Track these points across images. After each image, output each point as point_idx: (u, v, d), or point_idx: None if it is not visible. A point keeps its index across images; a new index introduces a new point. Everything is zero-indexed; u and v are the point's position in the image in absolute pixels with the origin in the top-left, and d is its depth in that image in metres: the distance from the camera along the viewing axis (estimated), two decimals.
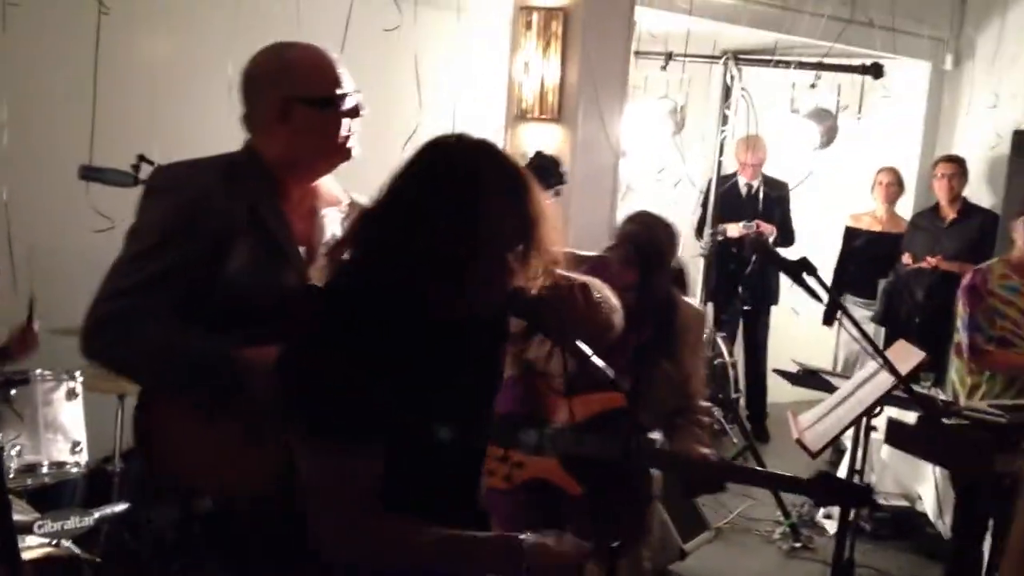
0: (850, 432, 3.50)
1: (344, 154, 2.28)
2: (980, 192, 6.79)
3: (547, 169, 2.63)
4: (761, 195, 6.71)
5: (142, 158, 3.37)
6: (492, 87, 5.19)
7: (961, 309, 4.11)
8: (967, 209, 6.28)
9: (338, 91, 2.23)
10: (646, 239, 3.01)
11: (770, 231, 6.47)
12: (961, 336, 4.09)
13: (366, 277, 1.75)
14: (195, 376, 2.10)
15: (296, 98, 2.20)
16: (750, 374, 6.98)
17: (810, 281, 2.47)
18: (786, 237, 6.63)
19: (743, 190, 6.77)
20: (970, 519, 4.08)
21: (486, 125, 5.52)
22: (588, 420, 2.82)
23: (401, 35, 4.58)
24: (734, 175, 6.76)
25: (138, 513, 3.65)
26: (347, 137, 2.26)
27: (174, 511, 2.19)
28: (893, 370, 2.56)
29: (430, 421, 1.78)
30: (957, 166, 6.29)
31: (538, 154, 2.68)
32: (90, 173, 3.50)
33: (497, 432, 2.89)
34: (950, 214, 6.27)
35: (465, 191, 1.70)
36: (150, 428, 2.19)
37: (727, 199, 6.39)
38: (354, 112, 2.26)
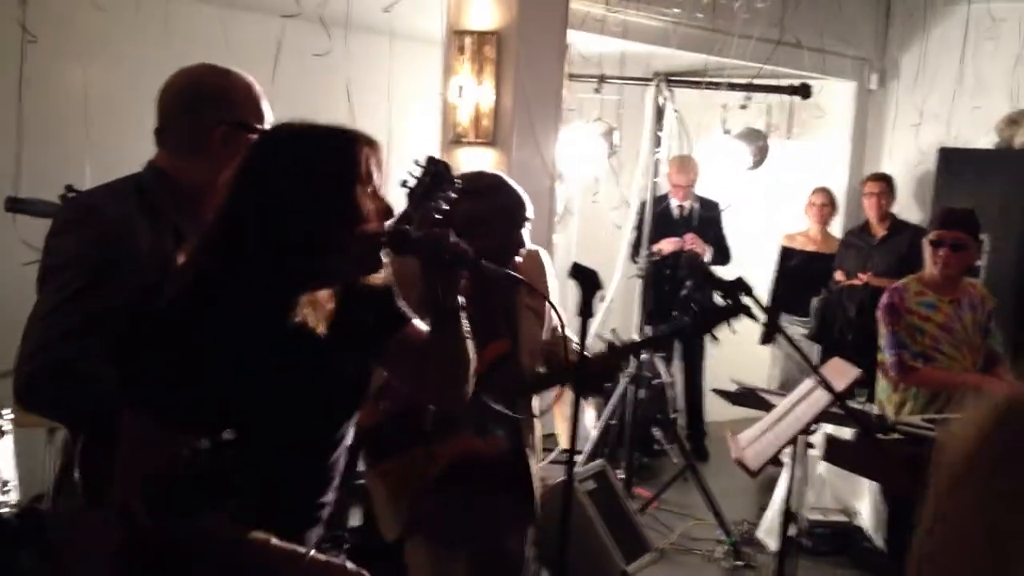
0: (788, 450, 3.53)
1: None
2: (908, 208, 6.94)
3: (441, 175, 2.61)
4: (695, 215, 6.75)
5: (70, 188, 3.29)
6: (426, 112, 5.18)
7: (883, 328, 4.17)
8: (896, 225, 6.40)
9: (262, 118, 2.20)
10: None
11: (703, 249, 6.50)
12: (885, 355, 4.15)
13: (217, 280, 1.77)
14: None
15: (222, 122, 2.15)
16: (688, 394, 7.01)
17: (747, 301, 2.47)
18: (723, 255, 6.67)
19: (675, 211, 6.78)
20: (906, 533, 4.13)
21: (421, 149, 5.52)
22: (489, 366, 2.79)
23: (332, 60, 4.56)
24: (667, 196, 6.77)
25: (70, 553, 3.56)
26: None
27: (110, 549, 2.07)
28: (829, 387, 2.59)
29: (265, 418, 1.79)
30: (884, 184, 6.44)
31: (430, 159, 2.64)
32: (16, 205, 3.42)
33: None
34: (880, 231, 6.40)
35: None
36: (90, 464, 2.09)
37: (661, 220, 6.39)
38: None
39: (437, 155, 4.96)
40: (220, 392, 1.73)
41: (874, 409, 4.15)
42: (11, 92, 4.09)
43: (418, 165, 2.60)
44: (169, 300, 1.78)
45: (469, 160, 4.94)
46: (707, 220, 6.76)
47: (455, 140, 5.01)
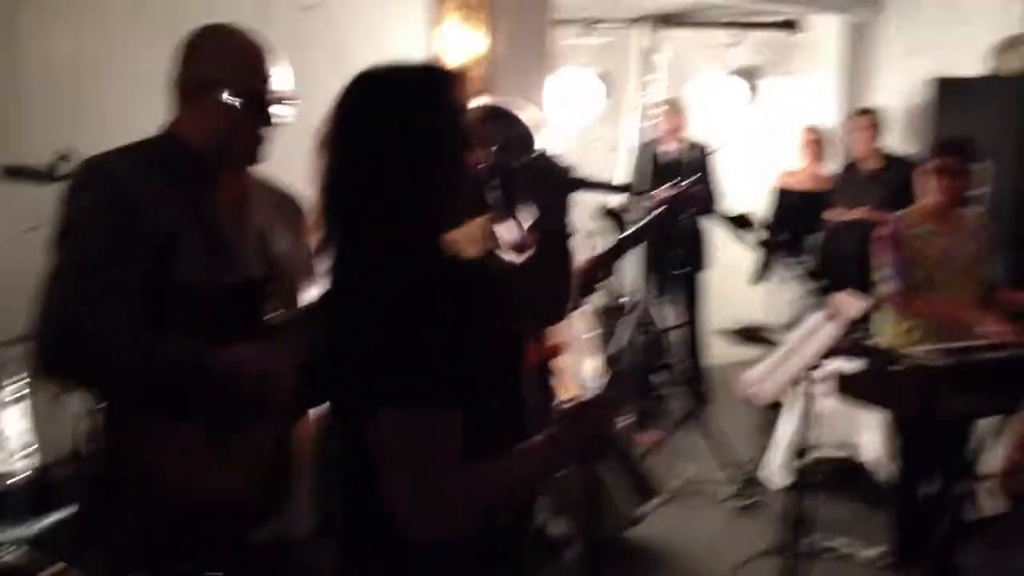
0: (790, 389, 3.53)
1: (258, 150, 2.18)
2: (902, 141, 6.89)
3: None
4: (683, 159, 6.69)
5: (62, 156, 3.25)
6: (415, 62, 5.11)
7: (884, 258, 4.15)
8: (887, 159, 6.38)
9: (262, 87, 2.13)
10: None
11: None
12: (888, 285, 4.13)
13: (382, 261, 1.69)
14: (170, 383, 1.99)
15: (214, 84, 2.11)
16: (686, 338, 6.99)
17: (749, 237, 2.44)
18: (707, 201, 6.61)
19: (666, 156, 6.70)
20: (915, 463, 4.15)
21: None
22: None
23: (319, 13, 4.49)
24: (656, 141, 6.70)
25: (93, 519, 3.55)
26: (265, 135, 2.17)
27: (133, 517, 2.08)
28: (846, 318, 2.57)
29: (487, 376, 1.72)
30: (870, 118, 6.40)
31: None
32: (15, 172, 3.38)
33: None
34: (869, 166, 6.38)
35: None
36: (114, 430, 2.08)
37: (652, 166, 6.37)
38: (263, 115, 2.15)
39: None
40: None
41: (879, 342, 4.16)
42: (2, 61, 4.02)
43: None
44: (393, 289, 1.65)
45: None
46: (695, 163, 6.72)
47: None
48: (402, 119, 1.69)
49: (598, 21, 5.90)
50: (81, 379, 2.07)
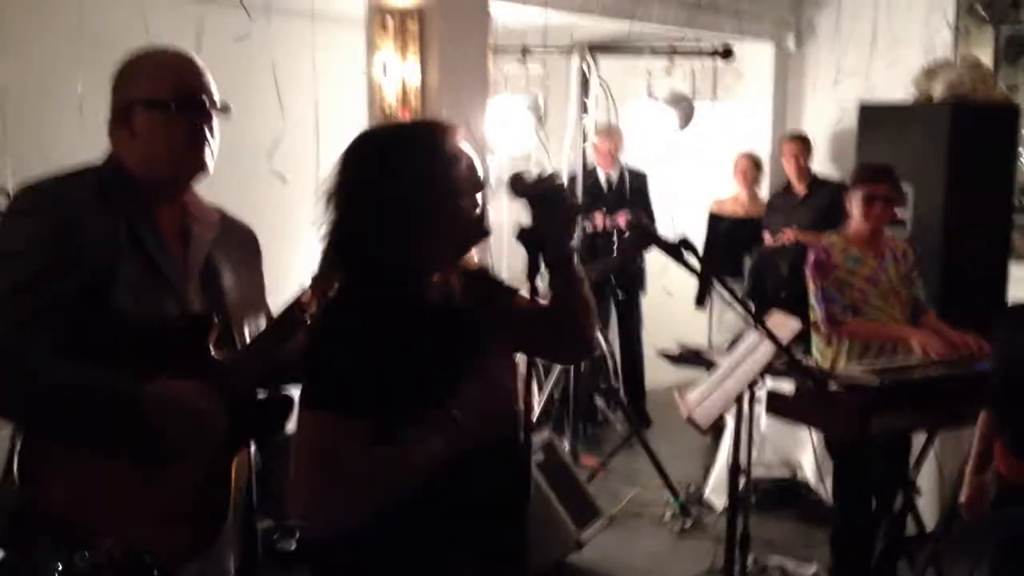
0: (731, 409, 3.58)
1: (193, 163, 2.13)
2: (831, 165, 7.06)
3: None
4: (625, 186, 6.75)
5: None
6: (353, 92, 5.12)
7: (811, 284, 4.24)
8: (816, 183, 6.56)
9: (181, 93, 2.09)
10: None
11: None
12: (816, 310, 4.22)
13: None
14: (95, 412, 1.93)
15: (135, 101, 2.09)
16: (627, 361, 7.06)
17: (690, 260, 2.49)
18: (652, 233, 6.66)
19: (604, 183, 6.78)
20: (851, 482, 4.23)
21: (349, 130, 5.46)
22: None
23: (256, 44, 4.48)
24: (594, 168, 6.75)
25: (12, 558, 3.44)
26: (194, 142, 2.11)
27: (56, 556, 2.00)
28: (773, 338, 2.62)
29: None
30: (801, 143, 6.61)
31: None
32: None
33: None
34: (800, 189, 6.57)
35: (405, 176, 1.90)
36: (35, 463, 2.00)
37: (590, 192, 6.41)
38: (198, 115, 2.11)
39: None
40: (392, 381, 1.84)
41: (812, 362, 4.24)
42: None
43: None
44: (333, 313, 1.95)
45: None
46: (637, 192, 6.79)
47: (383, 119, 4.96)
48: (403, 174, 1.90)
49: (533, 48, 5.97)
50: (4, 405, 1.97)
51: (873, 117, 6.25)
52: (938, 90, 5.94)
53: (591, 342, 2.15)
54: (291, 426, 2.08)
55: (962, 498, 3.14)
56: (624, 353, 7.01)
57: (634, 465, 6.08)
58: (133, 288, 2.02)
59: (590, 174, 6.53)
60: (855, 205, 4.24)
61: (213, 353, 2.12)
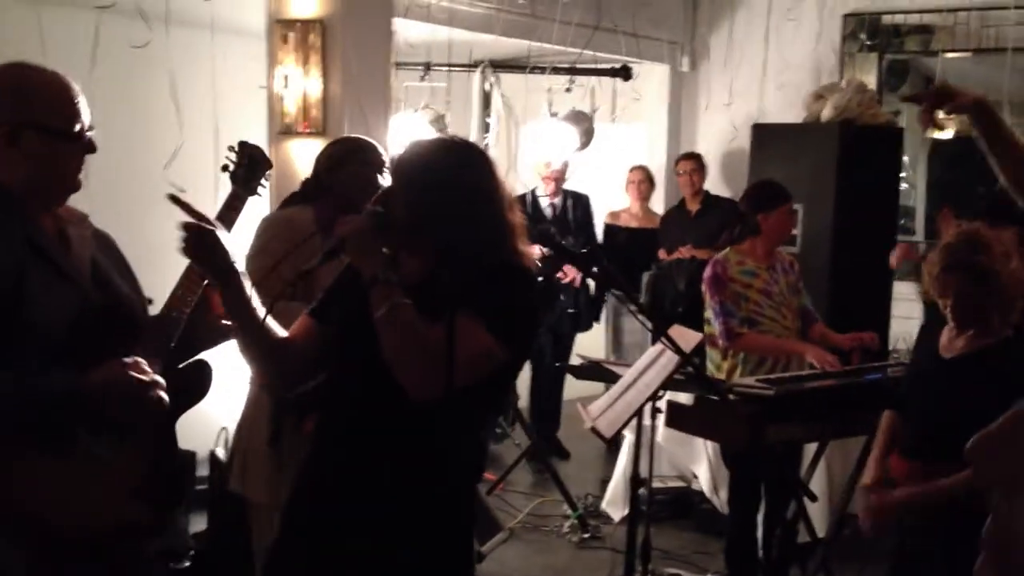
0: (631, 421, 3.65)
1: (73, 186, 2.23)
2: (723, 184, 7.26)
3: (256, 159, 2.61)
4: (569, 214, 6.61)
5: None
6: (253, 103, 5.08)
7: (709, 299, 4.33)
8: (710, 201, 6.74)
9: (77, 125, 2.17)
10: None
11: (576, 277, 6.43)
12: (713, 324, 4.32)
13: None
14: (44, 415, 2.03)
15: (28, 124, 2.12)
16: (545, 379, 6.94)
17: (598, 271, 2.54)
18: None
19: (547, 209, 6.62)
20: (744, 491, 4.34)
21: (250, 141, 5.40)
22: None
23: (154, 54, 4.41)
24: (534, 192, 6.64)
25: None
26: (78, 169, 2.22)
27: (16, 555, 2.08)
28: (677, 348, 2.69)
29: None
30: (695, 162, 6.80)
31: (242, 144, 2.64)
32: None
33: None
34: (695, 207, 6.74)
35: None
36: None
37: (532, 219, 6.14)
38: (90, 148, 2.21)
39: (265, 146, 4.94)
40: None
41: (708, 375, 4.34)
42: None
43: (232, 150, 2.61)
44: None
45: (299, 151, 4.87)
46: (582, 217, 6.67)
47: (283, 131, 4.93)
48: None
49: (436, 65, 6.00)
50: None
51: (765, 137, 6.45)
52: (826, 112, 6.16)
53: (413, 387, 2.02)
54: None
55: (866, 480, 3.26)
56: (546, 379, 6.89)
57: (534, 478, 6.14)
58: (43, 293, 2.07)
59: (531, 200, 6.46)
60: (777, 221, 4.34)
61: (125, 338, 2.21)
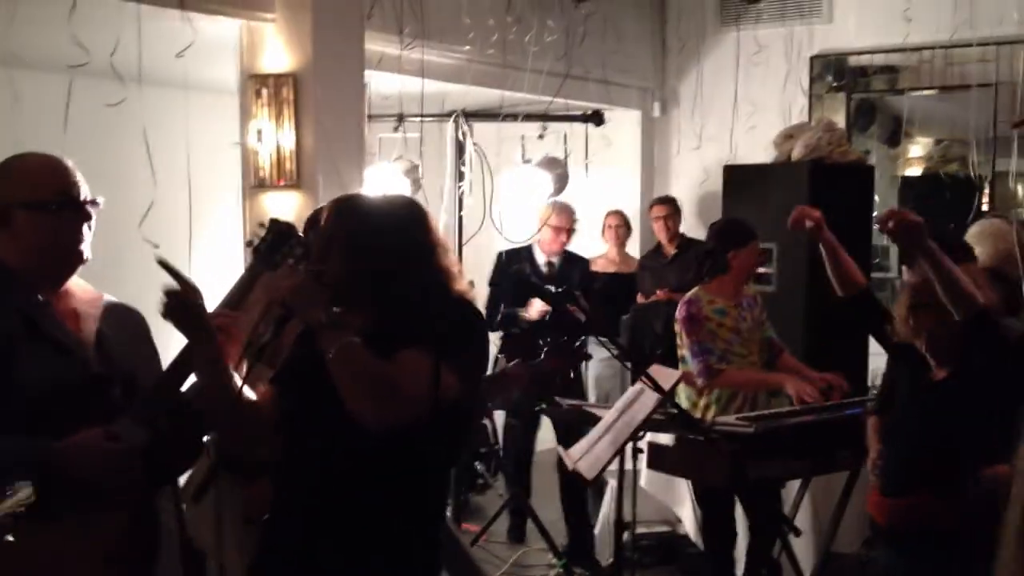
0: (612, 465, 3.64)
1: (75, 256, 2.30)
2: (696, 226, 7.29)
3: (284, 234, 2.62)
4: (568, 276, 5.93)
5: None
6: (227, 158, 5.10)
7: (685, 339, 4.36)
8: (685, 243, 6.76)
9: (61, 194, 2.24)
10: None
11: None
12: (690, 364, 4.33)
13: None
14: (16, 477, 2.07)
15: (15, 203, 2.22)
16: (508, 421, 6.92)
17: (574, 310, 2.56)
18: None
19: (544, 268, 6.08)
20: (717, 528, 4.34)
21: (224, 195, 5.42)
22: None
23: (127, 111, 4.43)
24: (531, 248, 6.13)
25: None
26: (76, 239, 2.28)
27: None
28: (658, 386, 2.70)
29: None
30: (669, 206, 6.84)
31: (273, 222, 2.67)
32: None
33: None
34: (670, 250, 6.78)
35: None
36: None
37: (523, 278, 5.58)
38: (78, 214, 2.27)
39: (240, 200, 4.96)
40: None
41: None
42: None
43: (261, 227, 2.66)
44: None
45: (274, 204, 4.88)
46: (583, 285, 5.86)
47: (258, 185, 4.94)
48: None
49: (409, 116, 6.04)
50: None
51: (737, 178, 6.50)
52: (796, 151, 6.23)
53: (368, 418, 2.10)
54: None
55: (868, 464, 3.29)
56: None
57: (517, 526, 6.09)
58: (36, 364, 2.16)
59: (519, 255, 6.07)
60: (746, 257, 4.39)
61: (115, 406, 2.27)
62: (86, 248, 2.31)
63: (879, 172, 6.79)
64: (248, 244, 2.66)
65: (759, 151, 6.85)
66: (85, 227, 2.29)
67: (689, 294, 4.44)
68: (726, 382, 4.29)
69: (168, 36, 4.35)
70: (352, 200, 2.44)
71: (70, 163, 2.31)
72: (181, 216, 4.69)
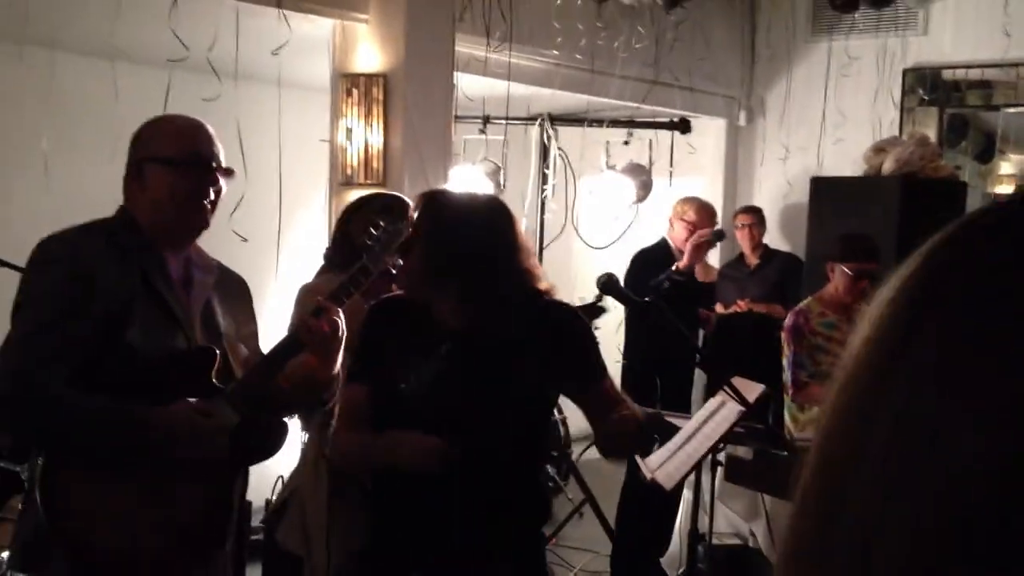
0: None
1: (194, 215, 2.36)
2: (779, 237, 7.21)
3: (398, 232, 2.60)
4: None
5: None
6: (314, 154, 5.17)
7: (786, 349, 4.30)
8: (769, 254, 6.67)
9: (190, 154, 2.32)
10: None
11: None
12: (786, 375, 4.28)
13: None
14: (110, 437, 2.17)
15: (148, 158, 2.33)
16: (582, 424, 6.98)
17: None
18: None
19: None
20: None
21: (312, 192, 5.49)
22: None
23: (222, 106, 4.51)
24: (662, 247, 5.97)
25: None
26: (198, 197, 2.34)
27: (67, 570, 2.24)
28: (743, 399, 2.67)
29: None
30: (755, 215, 6.73)
31: (391, 220, 2.66)
32: None
33: None
34: (753, 260, 6.67)
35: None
36: (52, 485, 2.21)
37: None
38: (203, 175, 2.34)
39: (327, 197, 5.02)
40: None
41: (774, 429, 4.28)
42: None
43: (379, 226, 2.63)
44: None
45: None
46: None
47: (345, 182, 5.00)
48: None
49: (495, 118, 6.06)
50: (27, 433, 2.32)
51: (825, 191, 6.41)
52: (887, 165, 6.12)
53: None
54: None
55: None
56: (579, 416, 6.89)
57: (586, 533, 6.06)
58: (146, 327, 2.23)
59: (659, 254, 5.87)
60: (840, 277, 4.29)
61: (215, 383, 2.34)
62: (208, 213, 2.37)
63: (972, 188, 6.64)
64: (363, 244, 2.65)
65: (846, 164, 6.75)
66: (209, 190, 2.35)
67: (801, 304, 4.37)
68: (809, 398, 4.23)
69: (264, 33, 4.42)
70: (438, 194, 2.52)
71: (210, 129, 2.41)
72: (269, 210, 4.77)
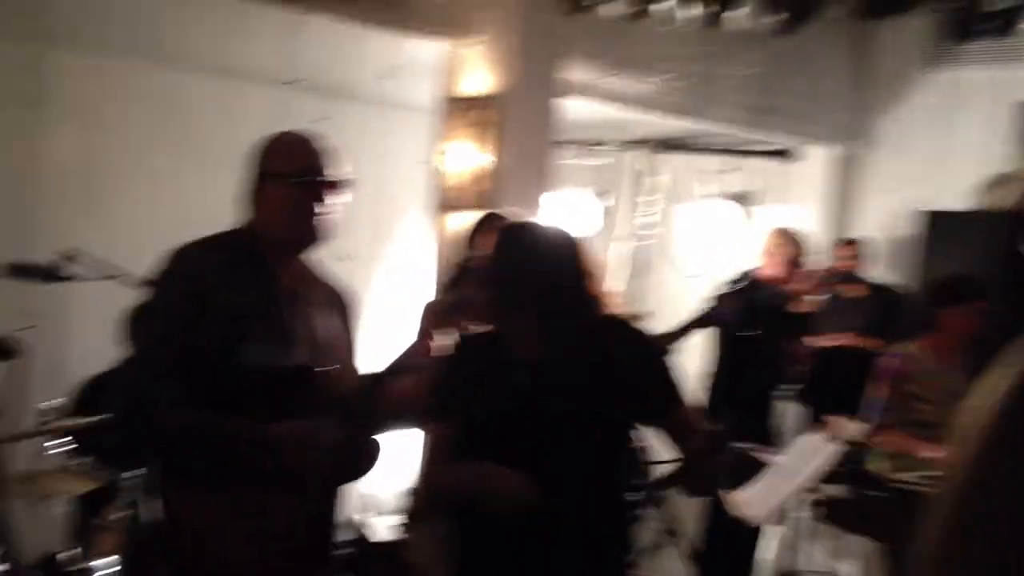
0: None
1: (305, 228, 2.40)
2: (885, 271, 7.05)
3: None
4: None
5: (67, 256, 3.35)
6: (413, 173, 5.23)
7: (880, 388, 4.18)
8: (871, 288, 6.52)
9: (301, 170, 2.37)
10: None
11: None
12: (872, 416, 4.17)
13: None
14: (225, 452, 2.24)
15: (264, 174, 2.41)
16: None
17: None
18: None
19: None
20: None
21: (407, 212, 5.56)
22: None
23: (333, 125, 4.61)
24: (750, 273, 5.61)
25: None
26: (308, 211, 2.38)
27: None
28: (844, 440, 2.61)
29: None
30: (853, 248, 6.59)
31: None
32: (18, 271, 3.43)
33: None
34: (854, 292, 6.53)
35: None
36: (167, 497, 2.29)
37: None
38: (310, 190, 2.38)
39: (429, 219, 5.07)
40: None
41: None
42: (18, 159, 4.12)
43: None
44: None
45: (461, 225, 4.96)
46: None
47: (446, 205, 5.04)
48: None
49: (598, 143, 6.06)
50: (139, 446, 2.36)
51: (938, 224, 6.25)
52: (1006, 200, 5.93)
53: None
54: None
55: None
56: None
57: (666, 564, 5.98)
58: (257, 343, 2.29)
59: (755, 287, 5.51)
60: (960, 320, 4.17)
61: (322, 399, 2.36)
62: (319, 226, 2.40)
63: None
64: (461, 266, 2.76)
65: (955, 197, 6.57)
66: (318, 204, 2.38)
67: (909, 348, 4.24)
68: (889, 442, 4.11)
69: (373, 55, 4.49)
70: (514, 227, 2.53)
71: (326, 145, 2.45)
72: (366, 228, 4.84)
